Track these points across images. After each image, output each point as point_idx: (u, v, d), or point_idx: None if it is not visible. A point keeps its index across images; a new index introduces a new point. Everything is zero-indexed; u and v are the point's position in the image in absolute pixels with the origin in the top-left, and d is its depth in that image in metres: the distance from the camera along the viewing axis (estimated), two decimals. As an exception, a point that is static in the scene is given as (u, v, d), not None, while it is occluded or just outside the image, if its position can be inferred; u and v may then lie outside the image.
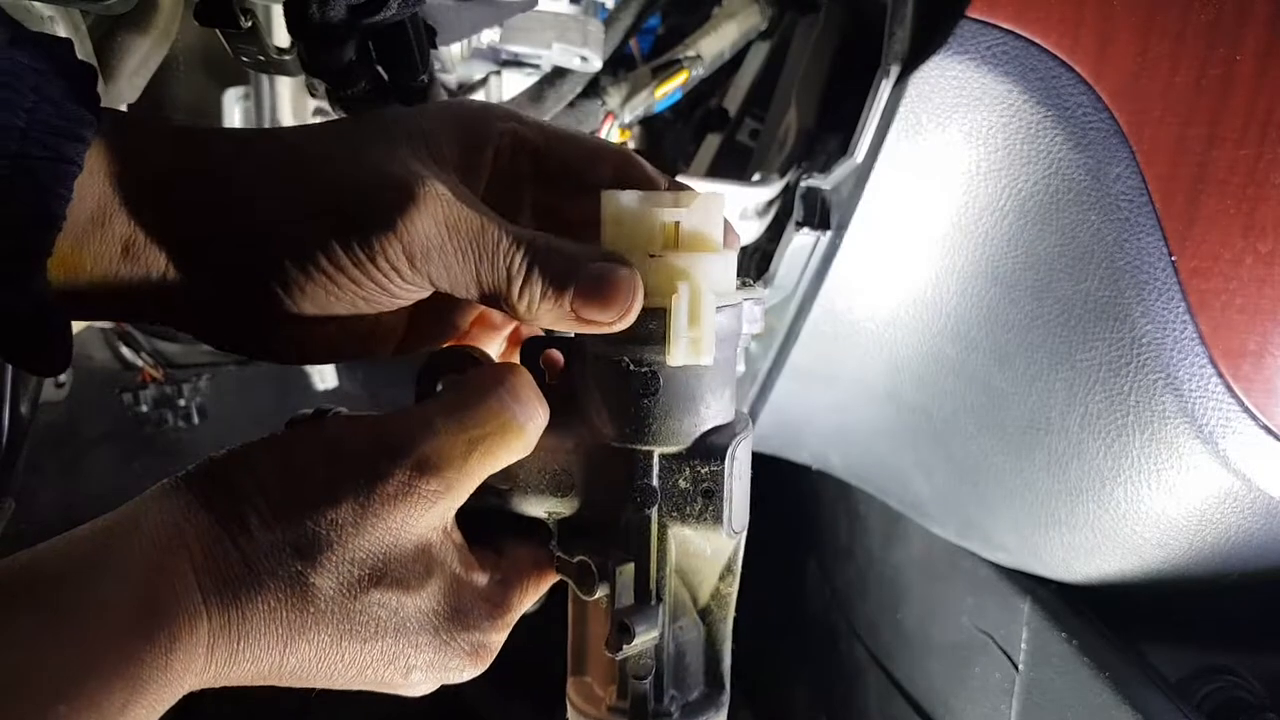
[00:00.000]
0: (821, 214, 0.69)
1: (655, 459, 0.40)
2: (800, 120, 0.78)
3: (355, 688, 0.40)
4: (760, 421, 0.87)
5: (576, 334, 0.41)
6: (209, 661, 0.35)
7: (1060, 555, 0.72)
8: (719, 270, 0.39)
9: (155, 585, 0.33)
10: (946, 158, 0.64)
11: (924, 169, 0.65)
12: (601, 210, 0.39)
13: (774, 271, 0.72)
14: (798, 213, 0.69)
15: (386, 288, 0.37)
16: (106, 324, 1.16)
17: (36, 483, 1.17)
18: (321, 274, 0.36)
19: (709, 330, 0.37)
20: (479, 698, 1.43)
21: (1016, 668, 0.78)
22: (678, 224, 0.38)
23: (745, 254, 0.87)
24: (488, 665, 0.41)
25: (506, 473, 0.41)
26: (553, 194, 0.44)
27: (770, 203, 0.77)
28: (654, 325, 0.38)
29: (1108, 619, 0.73)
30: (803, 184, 0.69)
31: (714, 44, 0.82)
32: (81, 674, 0.31)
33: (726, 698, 0.44)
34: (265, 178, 0.37)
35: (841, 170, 0.67)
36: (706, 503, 0.40)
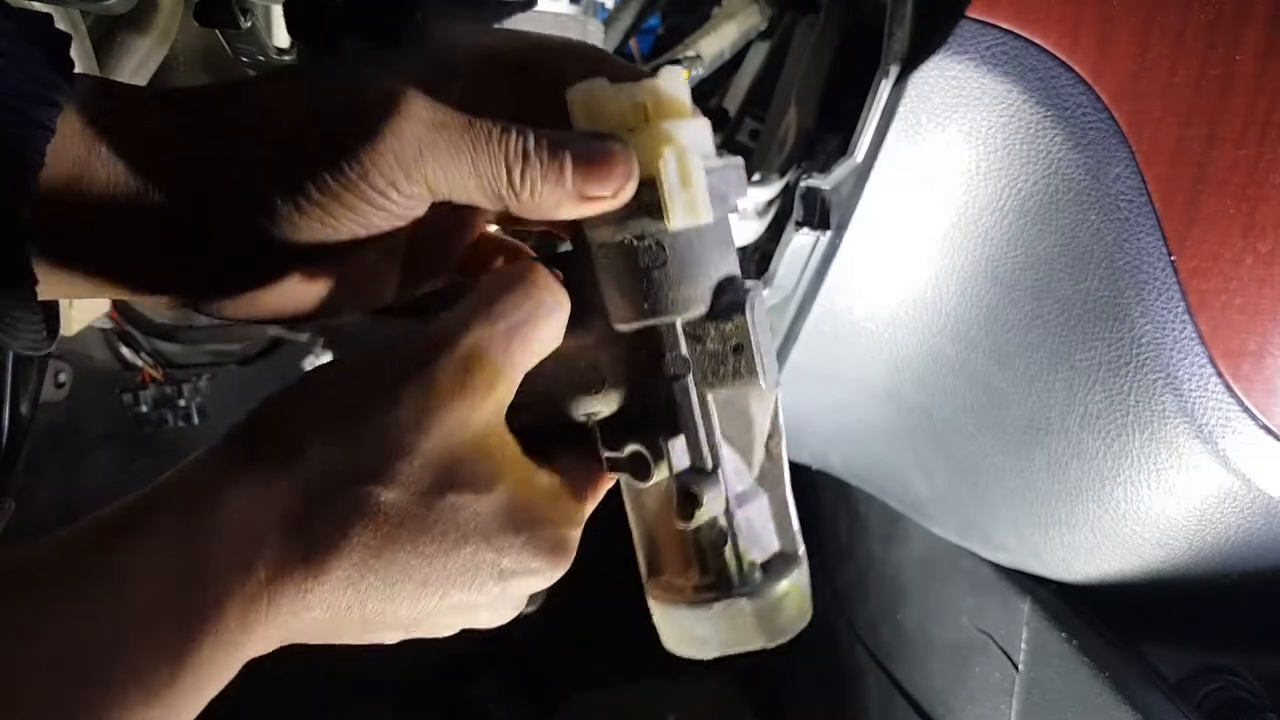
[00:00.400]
0: (821, 214, 0.69)
1: (679, 328, 0.40)
2: (800, 120, 0.78)
3: (445, 618, 0.37)
4: (760, 421, 0.87)
5: (576, 228, 0.41)
6: (272, 614, 0.33)
7: (1060, 555, 0.72)
8: (698, 134, 0.40)
9: (195, 543, 0.32)
10: (946, 158, 0.65)
11: (924, 169, 0.65)
12: (570, 110, 0.39)
13: (774, 271, 0.72)
14: (797, 213, 0.69)
15: (385, 205, 0.36)
16: (106, 324, 1.16)
17: (36, 483, 1.17)
18: (315, 204, 0.35)
19: (702, 188, 0.37)
20: (479, 696, 1.43)
21: (1016, 668, 0.78)
22: (648, 99, 0.39)
23: (745, 254, 0.87)
24: (569, 563, 0.40)
25: (536, 381, 0.40)
26: (529, 104, 0.42)
27: (770, 203, 0.77)
28: (647, 197, 0.38)
29: (1108, 619, 0.73)
30: (802, 184, 0.69)
31: (714, 44, 0.82)
32: (122, 648, 0.29)
33: (803, 553, 0.44)
34: (245, 121, 0.36)
35: (841, 170, 0.67)
36: (738, 358, 0.40)
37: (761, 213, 0.77)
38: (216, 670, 0.32)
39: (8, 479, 0.66)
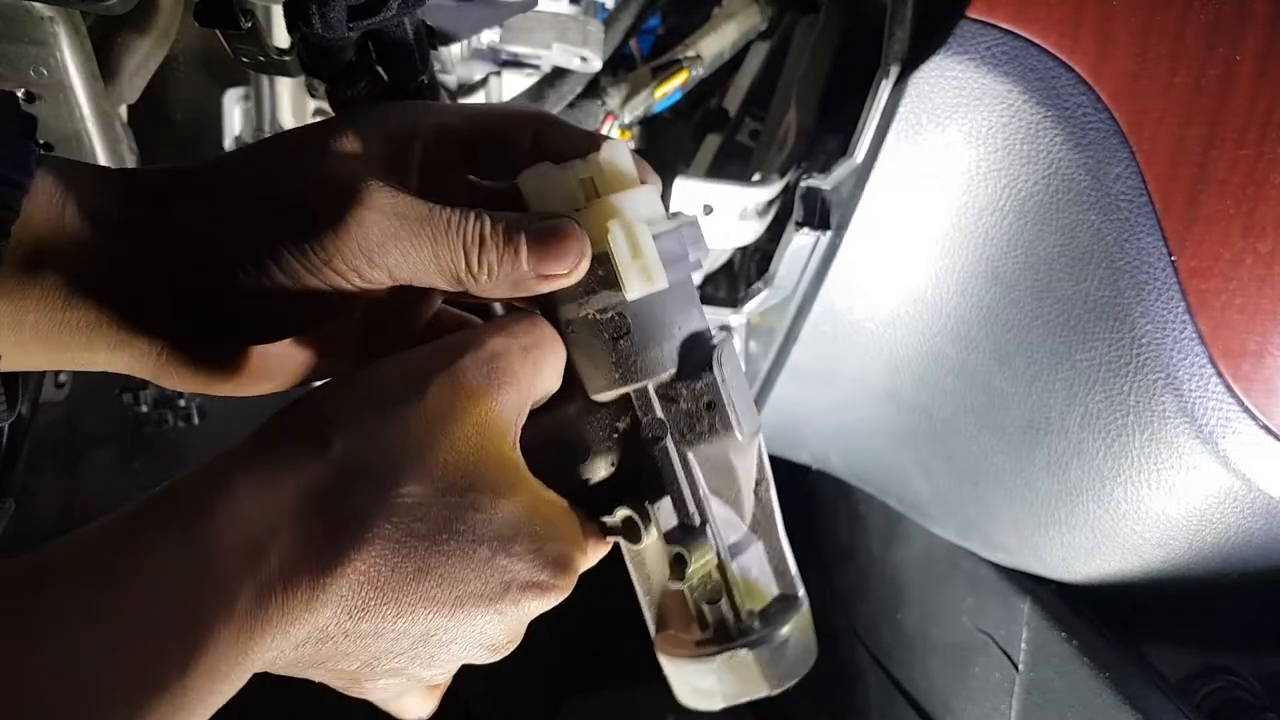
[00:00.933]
0: (821, 214, 0.69)
1: (651, 391, 0.42)
2: (800, 120, 0.78)
3: (454, 637, 0.36)
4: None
5: (542, 305, 0.42)
6: (285, 612, 0.32)
7: (1060, 555, 0.72)
8: (643, 201, 0.41)
9: (207, 538, 0.31)
10: (946, 158, 0.65)
11: (924, 169, 0.65)
12: (522, 193, 0.41)
13: (774, 271, 0.72)
14: (797, 213, 0.69)
15: (346, 289, 0.37)
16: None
17: (36, 483, 1.17)
18: (279, 286, 0.37)
19: (652, 255, 0.39)
20: (476, 703, 1.43)
21: (1016, 668, 0.78)
22: (591, 176, 0.41)
23: (745, 254, 0.87)
24: (571, 587, 0.39)
25: (527, 456, 0.41)
26: (484, 175, 0.45)
27: (770, 203, 0.77)
28: (603, 271, 0.40)
29: (1108, 619, 0.73)
30: (803, 184, 0.69)
31: (714, 44, 0.82)
32: (133, 644, 0.29)
33: (803, 597, 0.45)
34: (207, 204, 0.38)
35: (841, 170, 0.67)
36: (712, 414, 0.41)
37: (761, 213, 0.77)
38: (229, 667, 0.31)
39: (8, 479, 0.66)
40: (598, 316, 0.41)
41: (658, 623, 0.46)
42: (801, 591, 0.45)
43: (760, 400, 0.86)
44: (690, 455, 0.42)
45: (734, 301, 0.76)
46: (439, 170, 0.42)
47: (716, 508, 0.43)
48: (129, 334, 0.38)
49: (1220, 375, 0.58)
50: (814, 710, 1.22)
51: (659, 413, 0.42)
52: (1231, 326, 0.58)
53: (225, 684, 0.31)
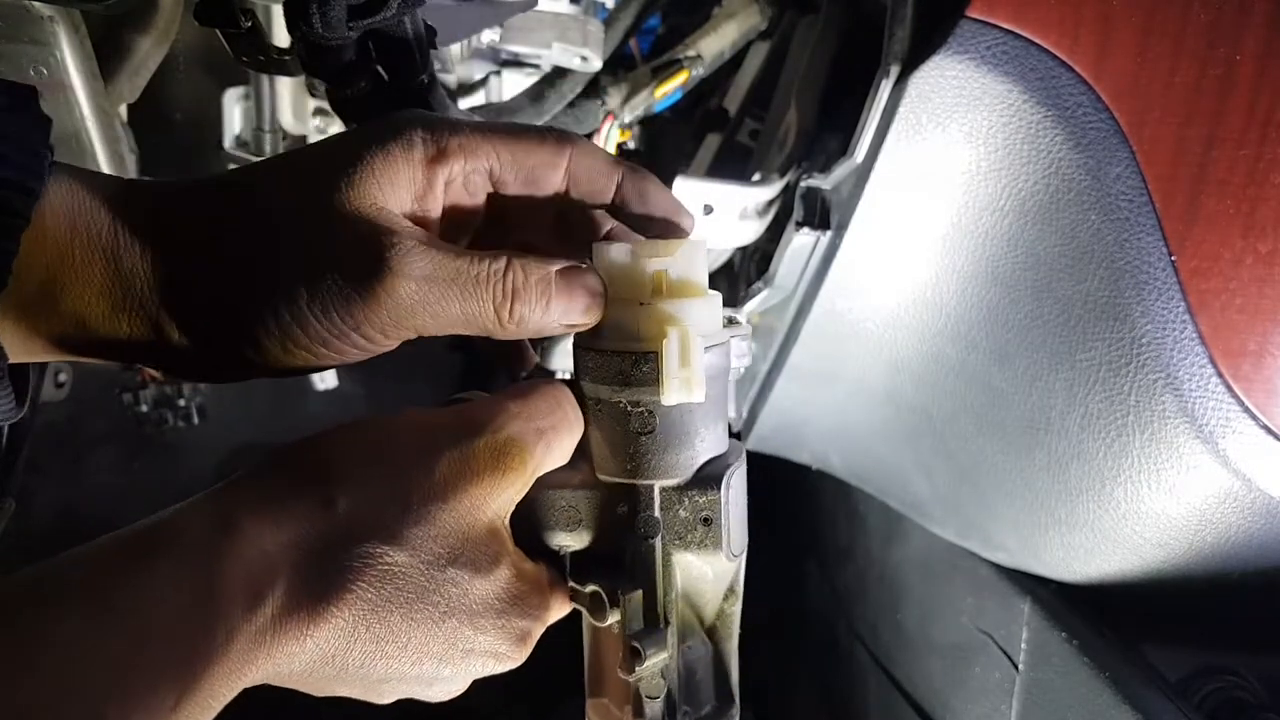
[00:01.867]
0: (821, 214, 0.69)
1: (656, 492, 0.43)
2: (800, 120, 0.78)
3: (403, 687, 0.39)
4: (760, 421, 0.87)
5: (576, 375, 0.44)
6: (272, 653, 0.34)
7: (1060, 555, 0.72)
8: (705, 313, 0.42)
9: (212, 575, 0.32)
10: (946, 158, 0.64)
11: (924, 169, 0.65)
12: (594, 259, 0.42)
13: (774, 271, 0.72)
14: (798, 213, 0.69)
15: (370, 349, 0.38)
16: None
17: (36, 483, 1.17)
18: (302, 347, 0.37)
19: (699, 369, 0.40)
20: (473, 702, 1.43)
21: (1016, 668, 0.78)
22: (665, 273, 0.41)
23: (745, 254, 0.87)
24: (525, 657, 0.42)
25: (522, 507, 0.43)
26: (509, 200, 0.44)
27: (770, 203, 0.77)
28: (647, 369, 0.41)
29: (1108, 619, 0.73)
30: (803, 184, 0.69)
31: (714, 44, 0.82)
32: (131, 672, 0.30)
33: (737, 710, 0.46)
34: (230, 238, 0.37)
35: (841, 170, 0.67)
36: (706, 530, 0.42)
37: (761, 213, 0.77)
38: (217, 700, 0.33)
39: (8, 479, 0.66)
40: (629, 407, 0.41)
41: (594, 687, 0.47)
42: (736, 707, 0.46)
43: (760, 400, 0.86)
44: (674, 558, 0.43)
45: (734, 301, 0.76)
46: (464, 193, 0.42)
47: (683, 609, 0.44)
48: (139, 355, 0.38)
49: (1220, 375, 0.58)
50: (814, 710, 1.22)
51: (657, 512, 0.43)
52: (1232, 326, 0.58)
53: (213, 711, 0.33)
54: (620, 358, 0.41)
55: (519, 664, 0.42)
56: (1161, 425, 0.60)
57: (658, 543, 0.43)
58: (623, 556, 0.43)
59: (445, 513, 0.37)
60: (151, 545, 0.33)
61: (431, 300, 0.37)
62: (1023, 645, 0.77)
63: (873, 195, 0.67)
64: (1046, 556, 0.74)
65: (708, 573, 0.44)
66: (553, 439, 0.40)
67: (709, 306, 0.43)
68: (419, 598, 0.37)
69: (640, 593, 0.43)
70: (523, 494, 0.40)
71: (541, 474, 0.41)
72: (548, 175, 0.42)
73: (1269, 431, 0.58)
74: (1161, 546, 0.66)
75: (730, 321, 0.45)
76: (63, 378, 1.03)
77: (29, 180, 0.34)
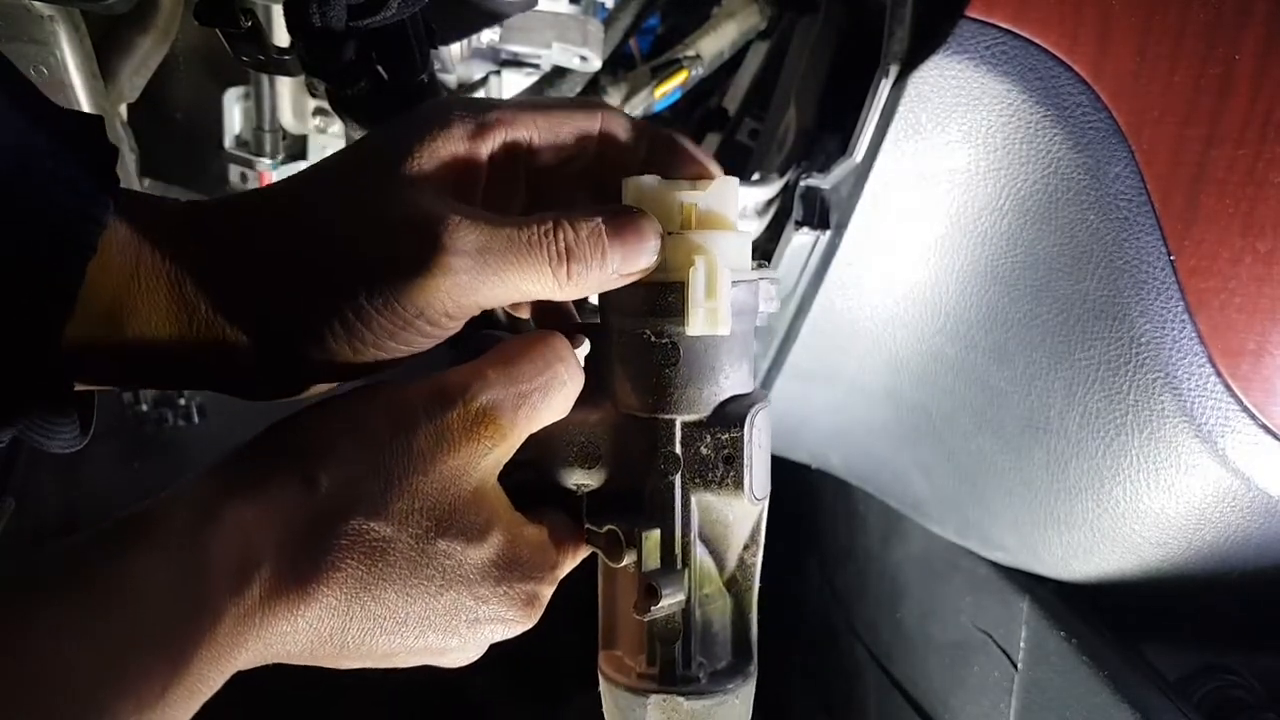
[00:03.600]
0: (821, 214, 0.69)
1: (678, 427, 0.42)
2: (800, 120, 0.78)
3: (414, 657, 0.39)
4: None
5: (601, 312, 0.43)
6: (261, 634, 0.34)
7: (1059, 554, 0.72)
8: (734, 247, 0.41)
9: (195, 559, 0.32)
10: (945, 157, 0.65)
11: (923, 169, 0.65)
12: (623, 194, 0.41)
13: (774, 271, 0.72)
14: (797, 212, 0.69)
15: (435, 333, 0.38)
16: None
17: (36, 482, 1.17)
18: (368, 343, 0.37)
19: (725, 301, 0.39)
20: (480, 696, 1.43)
21: (1015, 666, 0.78)
22: (694, 205, 0.41)
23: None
24: (537, 618, 0.42)
25: (538, 443, 0.42)
26: (545, 170, 0.44)
27: (769, 202, 0.77)
28: (673, 298, 0.40)
29: (1107, 618, 0.73)
30: (802, 184, 0.69)
31: (713, 44, 0.82)
32: (118, 657, 0.30)
33: (754, 668, 0.45)
34: (286, 250, 0.37)
35: (841, 170, 0.67)
36: (728, 468, 0.41)
37: (761, 212, 0.77)
38: (205, 684, 0.33)
39: (8, 478, 0.66)
40: (652, 339, 0.41)
41: (607, 639, 0.46)
42: (754, 664, 0.45)
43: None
44: (693, 498, 0.42)
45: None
46: (503, 171, 0.42)
47: (701, 555, 0.43)
48: (206, 377, 0.38)
49: (1219, 374, 0.58)
50: (813, 708, 1.23)
51: (678, 449, 0.42)
52: (1230, 326, 0.58)
53: (201, 696, 0.33)
54: (646, 287, 0.40)
55: (530, 626, 0.41)
56: (1160, 424, 0.61)
57: (677, 480, 0.42)
58: (641, 496, 0.42)
59: (427, 484, 0.37)
60: (134, 533, 0.33)
61: (489, 272, 0.36)
62: (1021, 644, 0.77)
63: (872, 195, 0.67)
64: (1045, 555, 0.74)
65: (729, 516, 0.43)
66: (538, 400, 0.39)
67: (739, 242, 0.42)
68: (412, 572, 0.37)
69: (658, 532, 0.42)
70: (509, 454, 0.40)
71: (528, 435, 0.40)
72: (581, 143, 0.42)
73: (1267, 430, 0.58)
74: (1160, 545, 0.66)
75: (761, 266, 0.44)
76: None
77: (96, 209, 0.33)
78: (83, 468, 1.24)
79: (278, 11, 0.59)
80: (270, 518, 0.34)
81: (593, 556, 0.45)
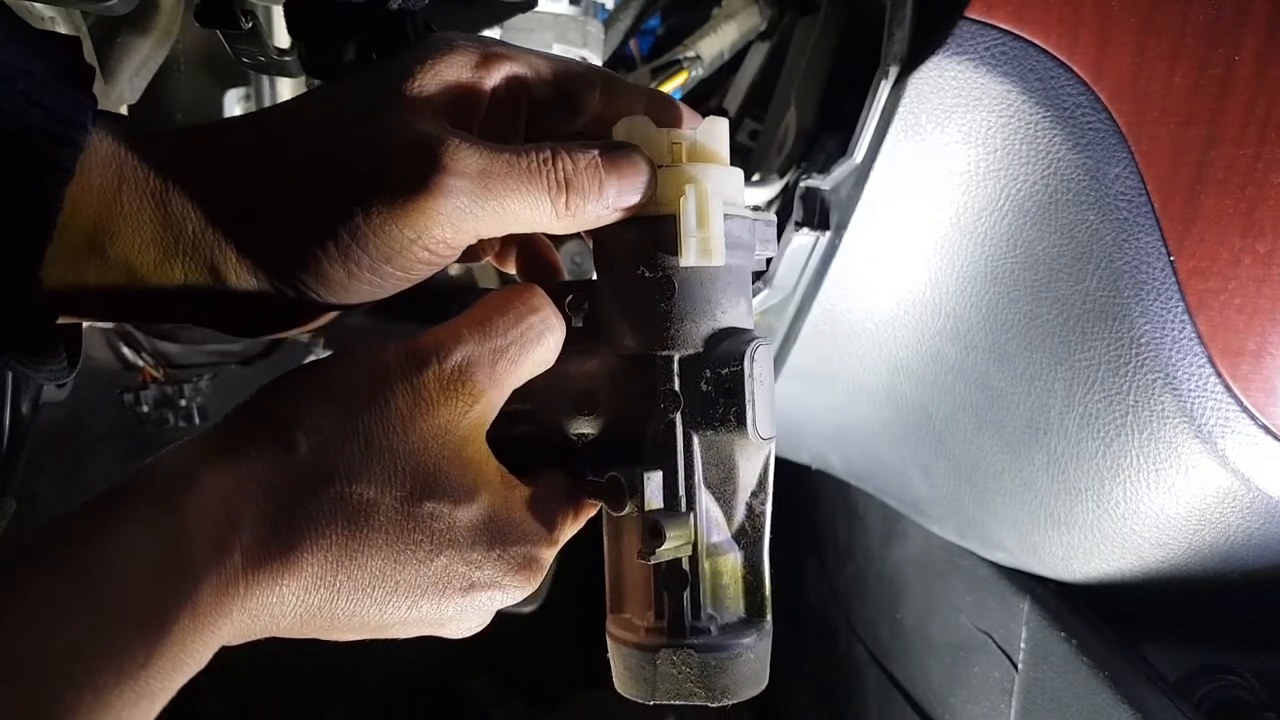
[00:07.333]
0: (821, 214, 0.69)
1: (675, 363, 0.40)
2: (799, 121, 0.78)
3: (411, 628, 0.38)
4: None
5: (596, 259, 0.42)
6: (246, 605, 0.33)
7: (1059, 554, 0.72)
8: (726, 180, 0.41)
9: (174, 528, 0.32)
10: (945, 158, 0.65)
11: (923, 169, 0.65)
12: (614, 134, 0.41)
13: (773, 271, 0.72)
14: (797, 213, 0.69)
15: (434, 260, 0.37)
16: (108, 324, 1.17)
17: (37, 483, 1.17)
18: (365, 268, 0.36)
19: (717, 231, 0.38)
20: (477, 695, 1.43)
21: (1016, 667, 0.78)
22: (685, 142, 0.41)
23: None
24: (538, 584, 0.40)
25: (532, 392, 0.41)
26: (544, 116, 0.44)
27: (770, 203, 0.77)
28: (667, 232, 0.39)
29: (1107, 619, 0.73)
30: (802, 184, 0.69)
31: (713, 44, 0.82)
32: (97, 629, 0.29)
33: (769, 625, 0.42)
34: (279, 169, 0.36)
35: (841, 170, 0.67)
36: (729, 403, 0.40)
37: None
38: (190, 656, 0.32)
39: (8, 479, 0.66)
40: (646, 273, 0.40)
41: (615, 602, 0.44)
42: (769, 619, 0.42)
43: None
44: (695, 439, 0.41)
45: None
46: (503, 109, 0.41)
47: (706, 502, 0.41)
48: (194, 307, 0.37)
49: (1219, 375, 0.58)
50: (813, 709, 1.23)
51: (677, 386, 0.40)
52: (1230, 326, 0.58)
53: (186, 668, 0.32)
54: (639, 222, 0.40)
55: (532, 590, 0.40)
56: (1160, 425, 0.61)
57: (678, 419, 0.40)
58: (642, 442, 0.41)
59: (408, 445, 0.36)
60: (112, 505, 0.32)
61: (488, 197, 0.36)
62: (1022, 644, 0.77)
63: (872, 195, 0.67)
64: (1045, 556, 0.74)
65: (734, 458, 0.41)
66: (516, 354, 0.38)
67: (730, 176, 0.42)
68: (399, 537, 0.36)
69: (660, 473, 0.40)
70: (492, 414, 0.39)
71: (513, 389, 0.39)
72: (582, 96, 0.42)
73: (1267, 431, 0.58)
74: (1160, 546, 0.66)
75: (758, 209, 0.44)
76: (63, 378, 1.03)
77: (72, 132, 0.33)
78: (83, 468, 1.24)
79: (278, 12, 0.59)
80: (250, 483, 0.33)
81: (597, 529, 0.43)
